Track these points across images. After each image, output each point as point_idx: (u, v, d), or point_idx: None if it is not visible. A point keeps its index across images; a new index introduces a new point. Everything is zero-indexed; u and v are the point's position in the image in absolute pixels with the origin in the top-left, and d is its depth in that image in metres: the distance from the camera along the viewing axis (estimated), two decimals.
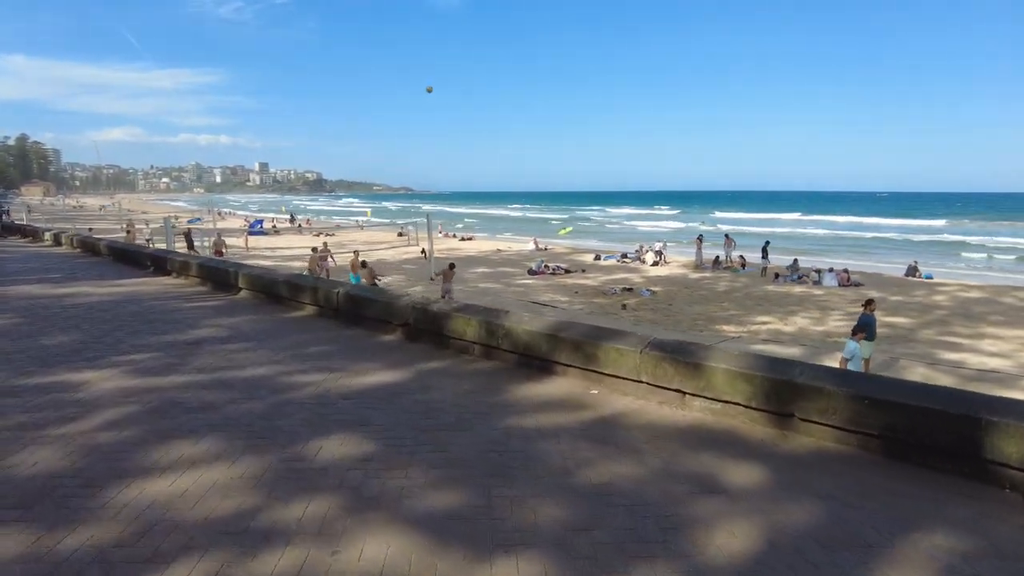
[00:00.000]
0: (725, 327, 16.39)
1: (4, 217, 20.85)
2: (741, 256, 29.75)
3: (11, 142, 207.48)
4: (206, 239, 34.50)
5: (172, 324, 7.12)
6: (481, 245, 43.88)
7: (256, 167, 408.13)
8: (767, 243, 29.15)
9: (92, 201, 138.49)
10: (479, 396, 4.72)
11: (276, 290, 8.41)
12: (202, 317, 7.53)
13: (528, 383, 5.01)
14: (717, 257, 30.43)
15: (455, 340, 6.12)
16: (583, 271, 28.65)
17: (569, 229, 59.59)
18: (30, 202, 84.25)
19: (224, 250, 24.42)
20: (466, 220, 74.55)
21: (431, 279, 22.57)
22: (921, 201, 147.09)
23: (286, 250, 35.85)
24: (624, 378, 4.74)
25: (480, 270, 29.17)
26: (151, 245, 30.12)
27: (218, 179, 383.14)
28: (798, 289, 23.23)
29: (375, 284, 19.03)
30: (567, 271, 28.44)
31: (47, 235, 17.49)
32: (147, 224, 41.15)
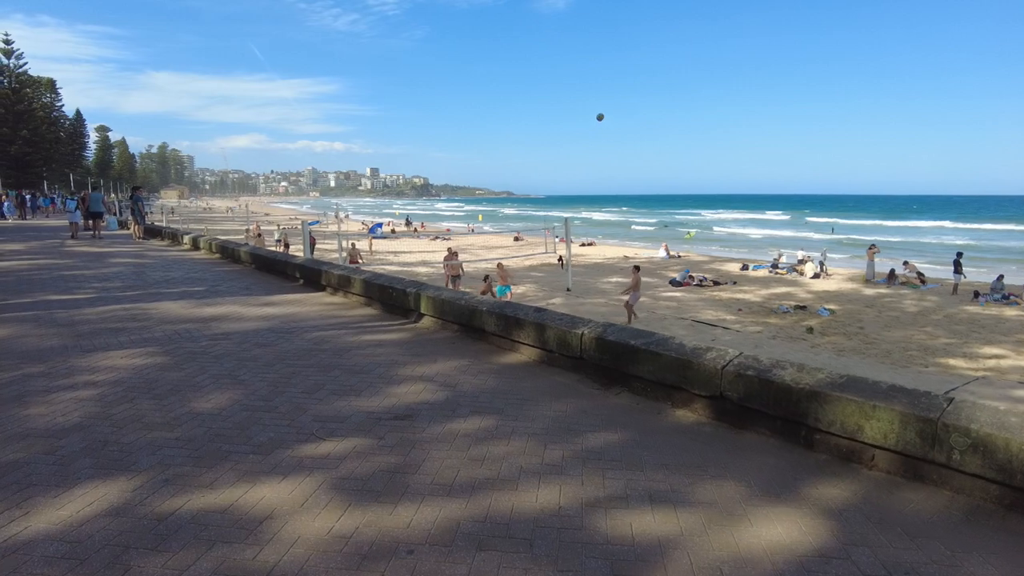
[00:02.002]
0: (950, 360, 13.11)
1: (143, 218, 20.30)
2: (920, 272, 25.64)
3: (154, 150, 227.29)
4: (327, 242, 33.96)
5: (358, 374, 4.99)
6: (605, 251, 41.11)
7: (367, 172, 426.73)
8: (959, 255, 24.58)
9: (219, 203, 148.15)
10: None
11: (477, 322, 6.18)
12: (393, 362, 5.38)
13: None
14: (892, 271, 26.21)
15: (827, 435, 3.57)
16: (734, 283, 25.38)
17: (693, 234, 55.78)
18: (167, 204, 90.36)
19: (361, 260, 23.15)
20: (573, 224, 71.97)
21: (567, 290, 19.90)
22: None
23: (407, 254, 34.73)
24: None
25: (614, 279, 26.53)
26: (280, 247, 29.78)
27: (332, 183, 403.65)
28: (1011, 312, 19.15)
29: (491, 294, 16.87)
30: (715, 282, 25.31)
31: (186, 239, 16.57)
32: (278, 226, 41.64)
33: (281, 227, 42.36)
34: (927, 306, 20.23)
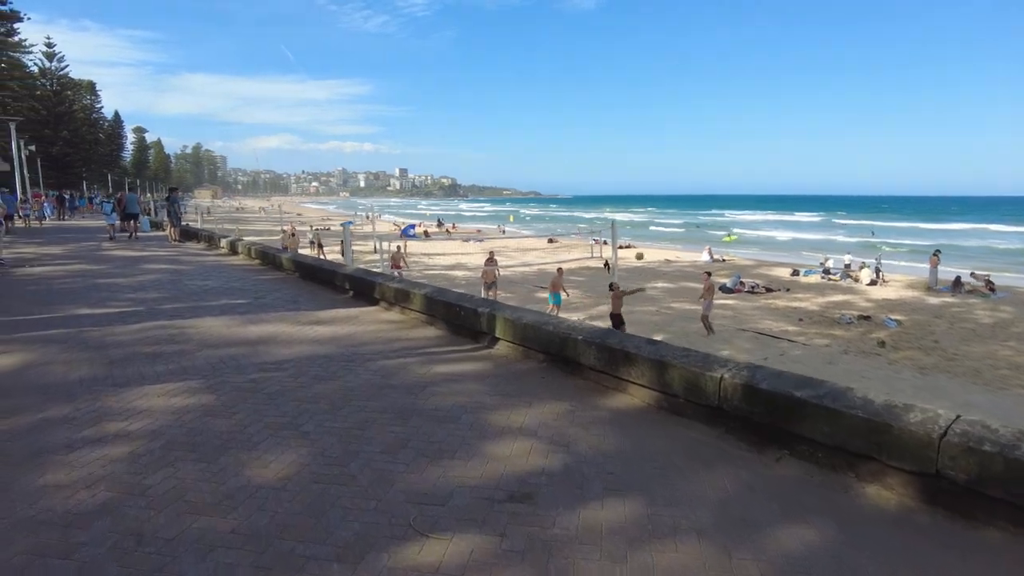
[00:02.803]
0: None
1: (179, 220, 19.70)
2: (988, 279, 24.01)
3: (188, 150, 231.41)
4: (359, 243, 33.31)
5: (443, 423, 4.04)
6: (646, 254, 39.86)
7: (396, 172, 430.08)
8: None
9: (251, 203, 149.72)
10: None
11: (571, 353, 5.18)
12: (480, 404, 4.42)
13: None
14: (958, 278, 24.63)
15: None
16: (787, 289, 24.02)
17: (734, 237, 54.17)
18: (201, 204, 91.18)
19: (404, 264, 22.26)
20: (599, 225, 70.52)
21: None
22: None
23: (440, 256, 33.79)
24: None
25: (660, 285, 25.34)
26: (314, 250, 29.11)
27: (362, 184, 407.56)
28: None
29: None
30: (768, 289, 23.96)
31: (223, 242, 15.88)
32: (311, 227, 41.23)
33: (314, 228, 41.98)
34: (1004, 317, 18.73)
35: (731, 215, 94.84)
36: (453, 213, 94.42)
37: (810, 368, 12.25)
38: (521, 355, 5.78)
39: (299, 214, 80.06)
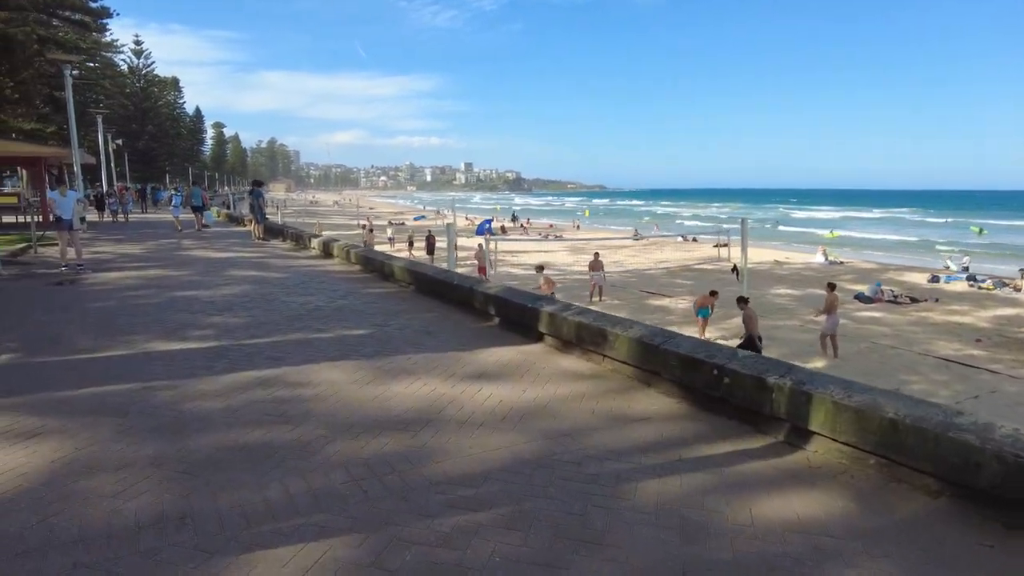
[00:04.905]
0: None
1: (263, 216, 17.95)
2: None
3: (263, 145, 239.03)
4: (440, 240, 31.22)
5: None
6: (749, 254, 36.15)
7: (462, 167, 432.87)
8: None
9: (324, 196, 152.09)
10: None
11: (975, 481, 2.59)
12: None
13: None
14: None
15: None
16: (935, 300, 20.47)
17: (837, 234, 49.65)
18: (276, 197, 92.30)
19: (489, 268, 19.83)
20: (679, 220, 66.38)
21: (816, 314, 14.94)
22: None
23: (523, 254, 31.25)
24: None
25: (782, 291, 22.12)
26: (409, 250, 27.15)
27: (428, 178, 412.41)
28: None
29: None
30: (912, 299, 20.49)
31: (314, 243, 13.87)
32: (389, 222, 39.70)
33: (392, 223, 40.54)
34: None
35: (805, 212, 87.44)
36: (505, 207, 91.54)
37: None
38: (880, 474, 3.20)
39: (371, 208, 79.54)
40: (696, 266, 29.22)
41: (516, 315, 6.41)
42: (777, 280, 24.42)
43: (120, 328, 6.49)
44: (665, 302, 19.49)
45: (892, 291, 21.09)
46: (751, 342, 11.15)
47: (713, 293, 14.38)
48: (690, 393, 4.42)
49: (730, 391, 4.01)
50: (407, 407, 4.16)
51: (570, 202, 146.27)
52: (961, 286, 24.34)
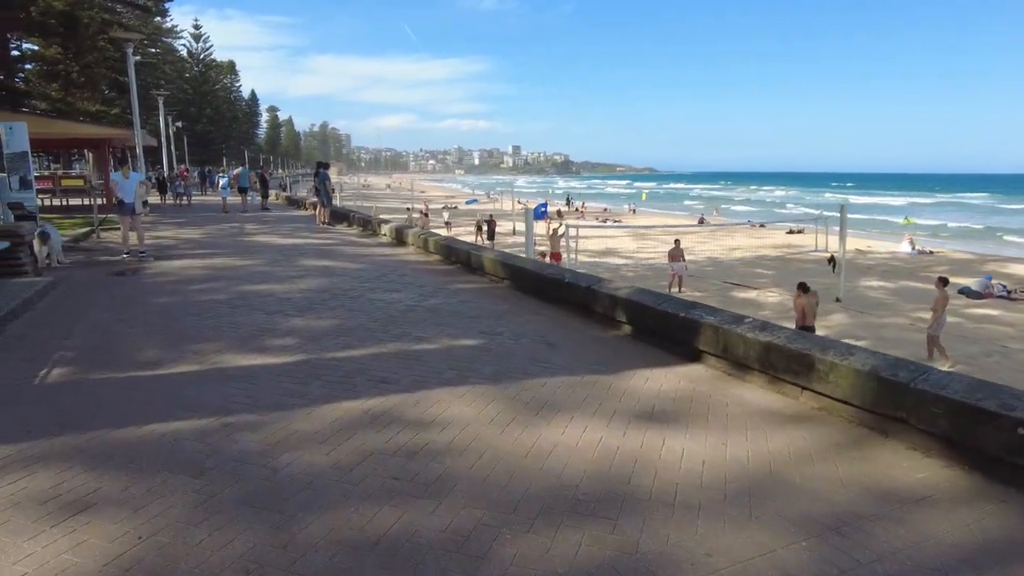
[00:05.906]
0: None
1: (330, 200, 17.09)
2: None
3: (316, 129, 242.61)
4: (508, 224, 29.93)
5: None
6: (823, 242, 33.85)
7: (509, 150, 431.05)
8: None
9: (375, 180, 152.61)
10: None
11: None
12: None
13: None
14: None
15: None
16: None
17: (911, 220, 46.33)
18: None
19: (563, 252, 18.57)
20: (733, 207, 63.14)
21: (837, 300, 13.27)
22: None
23: (585, 239, 29.62)
24: None
25: (874, 283, 20.12)
26: (477, 236, 25.90)
27: (476, 161, 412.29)
28: None
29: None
30: None
31: (384, 229, 12.85)
32: (445, 207, 38.73)
33: (448, 207, 39.67)
34: None
35: (866, 197, 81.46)
36: (561, 190, 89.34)
37: None
38: None
39: (422, 191, 78.99)
40: (773, 255, 27.34)
41: (659, 325, 5.16)
42: (864, 271, 22.42)
43: (187, 333, 5.52)
44: (752, 294, 17.84)
45: (1003, 285, 18.99)
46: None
47: (808, 291, 11.93)
48: (959, 451, 3.11)
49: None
50: (579, 470, 2.98)
51: (613, 185, 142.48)
52: None
